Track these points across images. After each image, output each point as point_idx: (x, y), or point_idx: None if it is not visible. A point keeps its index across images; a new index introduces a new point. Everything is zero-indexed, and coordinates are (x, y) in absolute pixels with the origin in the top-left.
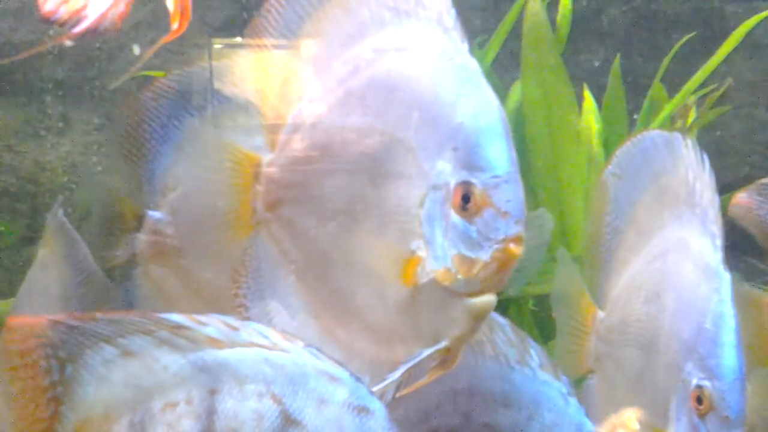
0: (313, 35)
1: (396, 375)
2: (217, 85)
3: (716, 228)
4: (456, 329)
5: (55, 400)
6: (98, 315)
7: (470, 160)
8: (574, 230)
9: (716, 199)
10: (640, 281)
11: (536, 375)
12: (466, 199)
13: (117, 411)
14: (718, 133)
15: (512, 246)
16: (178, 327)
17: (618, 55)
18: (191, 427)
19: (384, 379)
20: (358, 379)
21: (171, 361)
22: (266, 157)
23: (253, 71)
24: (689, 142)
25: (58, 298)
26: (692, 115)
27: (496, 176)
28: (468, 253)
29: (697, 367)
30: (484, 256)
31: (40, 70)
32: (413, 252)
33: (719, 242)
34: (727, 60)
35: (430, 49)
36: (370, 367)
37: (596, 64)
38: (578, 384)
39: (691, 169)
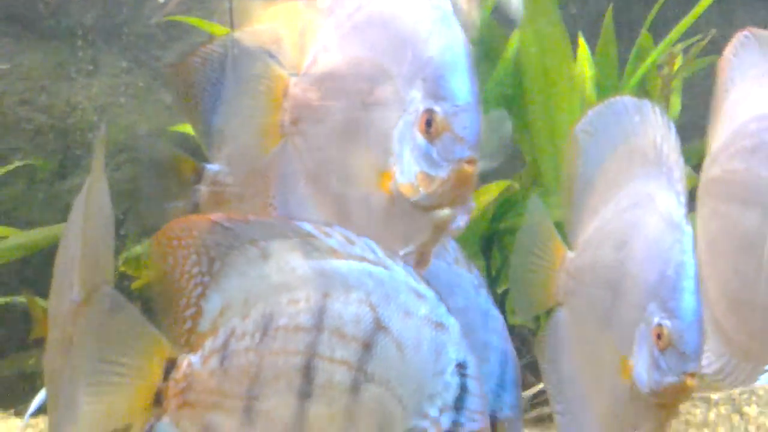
0: None
1: None
2: (237, 35)
3: (681, 186)
4: (421, 236)
5: (202, 285)
6: (250, 218)
7: (435, 90)
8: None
9: (681, 160)
10: (609, 229)
11: (451, 267)
12: (429, 124)
13: (253, 300)
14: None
15: (466, 167)
16: (309, 236)
17: (611, 5)
18: (306, 321)
19: None
20: (440, 299)
21: (298, 265)
22: (292, 79)
23: (273, 21)
24: (657, 108)
25: (109, 213)
26: (678, 64)
27: (455, 105)
28: (429, 171)
29: (659, 307)
30: (442, 174)
31: (71, 15)
32: (389, 167)
33: (683, 199)
34: (723, 9)
35: None
36: None
37: (591, 13)
38: (548, 315)
39: (659, 132)
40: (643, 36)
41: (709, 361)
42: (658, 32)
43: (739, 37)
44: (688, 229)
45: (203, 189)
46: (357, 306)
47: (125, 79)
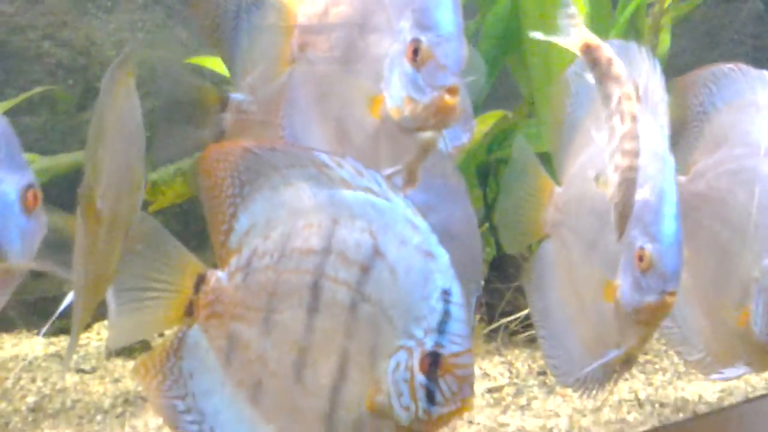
0: None
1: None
2: None
3: (664, 120)
4: (407, 156)
5: (234, 205)
6: (277, 146)
7: (422, 20)
8: None
9: (665, 97)
10: (596, 162)
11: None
12: (415, 52)
13: (274, 222)
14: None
15: (447, 95)
16: (324, 165)
17: None
18: (317, 243)
19: None
20: (432, 231)
21: (314, 193)
22: (300, 7)
23: None
24: (644, 48)
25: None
26: (667, 2)
27: (439, 36)
28: (414, 96)
29: (641, 232)
30: (426, 99)
31: None
32: (380, 91)
33: (666, 132)
34: None
35: None
36: None
37: None
38: (536, 246)
39: (645, 71)
40: None
41: (695, 352)
42: None
43: (724, 69)
44: (670, 159)
45: (228, 117)
46: (360, 233)
47: (141, 15)
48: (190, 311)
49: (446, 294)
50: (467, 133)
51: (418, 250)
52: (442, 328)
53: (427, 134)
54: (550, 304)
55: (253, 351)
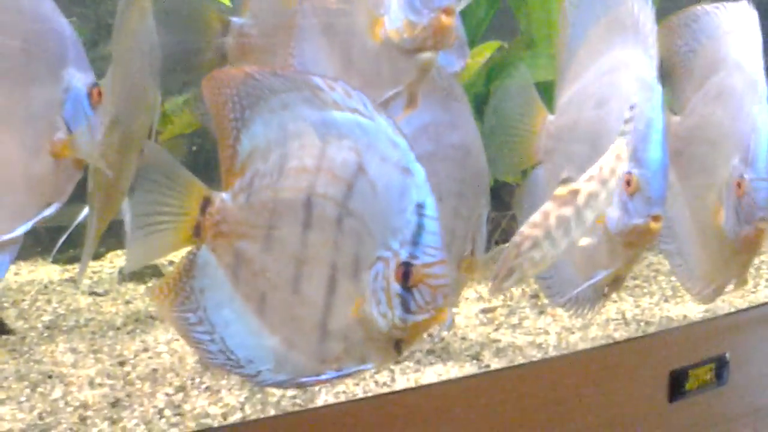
0: None
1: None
2: None
3: (653, 51)
4: (408, 77)
5: (237, 129)
6: (275, 71)
7: None
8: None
9: (655, 28)
10: (590, 91)
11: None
12: None
13: (273, 144)
14: None
15: (444, 14)
16: (317, 88)
17: None
18: (310, 163)
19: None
20: (411, 148)
21: (308, 114)
22: None
23: None
24: None
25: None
26: None
27: None
28: (412, 18)
29: (630, 157)
30: (424, 20)
31: None
32: (380, 14)
33: (655, 63)
34: None
35: None
36: None
37: None
38: (530, 170)
39: (637, 4)
40: None
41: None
42: None
43: (703, 7)
44: (658, 88)
45: (230, 41)
46: (346, 152)
47: None
48: (198, 232)
49: (420, 207)
50: (461, 59)
51: (396, 167)
52: (416, 240)
53: (426, 54)
54: None
55: (257, 266)
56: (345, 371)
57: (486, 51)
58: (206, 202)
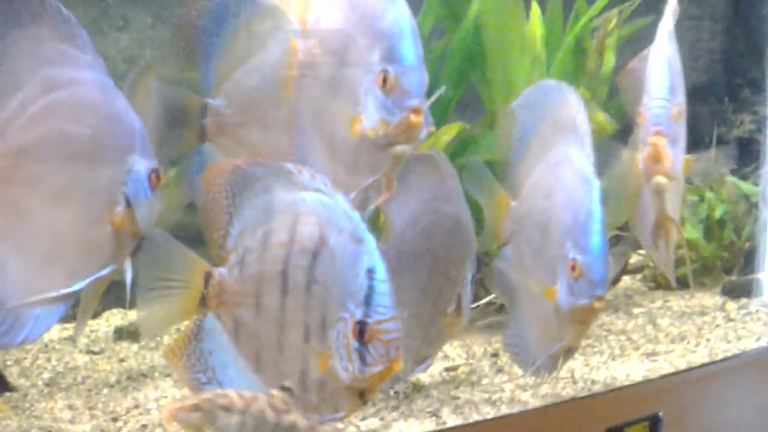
0: None
1: (351, 195)
2: None
3: (589, 150)
4: (383, 167)
5: (229, 214)
6: (259, 161)
7: (388, 55)
8: None
9: (589, 129)
10: (540, 183)
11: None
12: (384, 81)
13: (258, 223)
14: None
15: (413, 114)
16: (290, 173)
17: None
18: (285, 237)
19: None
20: (361, 220)
21: (283, 196)
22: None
23: None
24: (573, 88)
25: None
26: (612, 25)
27: (403, 66)
28: (385, 117)
29: (573, 245)
30: (395, 119)
31: None
32: (358, 113)
33: (592, 159)
34: None
35: None
36: (343, 188)
37: None
38: (499, 249)
39: (574, 107)
40: (579, 1)
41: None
42: None
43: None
44: (596, 183)
45: (209, 120)
46: (311, 226)
47: (150, 33)
48: (203, 303)
49: (371, 272)
50: (426, 127)
51: (351, 237)
52: (368, 301)
53: (399, 148)
54: (511, 301)
55: (252, 330)
56: (323, 419)
57: (450, 131)
58: (208, 276)
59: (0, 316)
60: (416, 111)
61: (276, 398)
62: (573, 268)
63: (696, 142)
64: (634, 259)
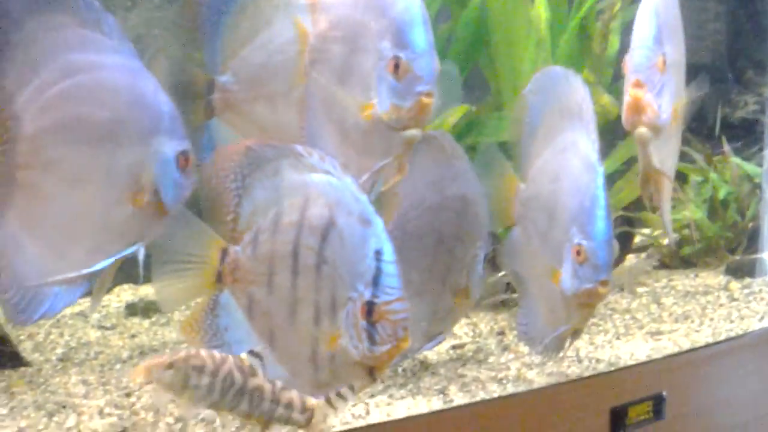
0: None
1: (364, 177)
2: None
3: (594, 136)
4: (396, 150)
5: (238, 195)
6: (270, 143)
7: (399, 41)
8: None
9: (594, 116)
10: (547, 168)
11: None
12: (396, 67)
13: (269, 204)
14: None
15: (424, 98)
16: (300, 155)
17: None
18: (295, 218)
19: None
20: (370, 202)
21: (293, 177)
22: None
23: None
24: (579, 76)
25: None
26: (617, 7)
27: (415, 52)
28: (397, 102)
29: (578, 230)
30: (407, 104)
31: None
32: (370, 99)
33: (597, 146)
34: None
35: None
36: (356, 171)
37: None
38: (507, 231)
39: (579, 94)
40: None
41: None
42: None
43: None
44: (600, 168)
45: (216, 96)
46: (321, 208)
47: (157, 13)
48: (219, 278)
49: (378, 254)
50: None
51: (359, 219)
52: (376, 282)
53: (411, 132)
54: (521, 281)
55: (264, 307)
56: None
57: (457, 113)
58: (224, 253)
59: (18, 293)
60: (428, 95)
61: (244, 362)
62: (578, 252)
63: (700, 122)
64: (638, 239)
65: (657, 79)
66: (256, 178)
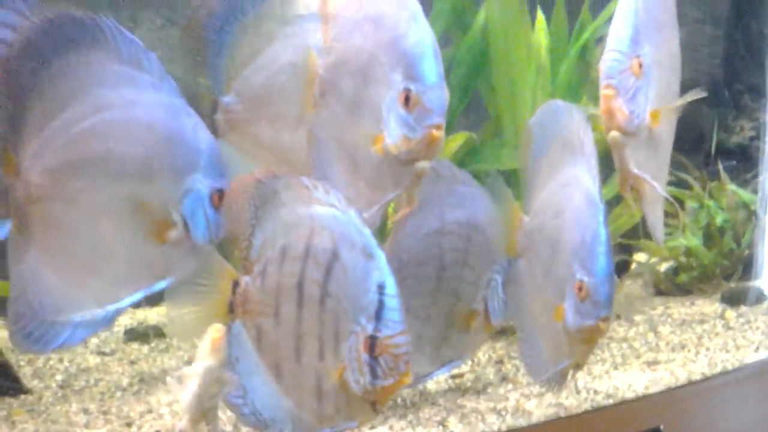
0: None
1: (374, 209)
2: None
3: (596, 171)
4: (406, 182)
5: (252, 225)
6: (277, 174)
7: (411, 74)
8: (524, 123)
9: (595, 150)
10: (550, 201)
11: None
12: (407, 99)
13: (278, 236)
14: None
15: (434, 131)
16: (306, 188)
17: None
18: (300, 251)
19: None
20: (372, 235)
21: (299, 210)
22: (319, 59)
23: None
24: (581, 110)
25: None
26: None
27: (425, 85)
28: (408, 134)
29: (580, 266)
30: (417, 136)
31: None
32: (381, 131)
33: (598, 181)
34: None
35: (397, 2)
36: (366, 203)
37: None
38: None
39: (581, 128)
40: (584, 12)
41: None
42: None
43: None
44: (602, 205)
45: (220, 117)
46: (325, 241)
47: (159, 34)
48: (231, 309)
49: (381, 287)
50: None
51: (362, 252)
52: (378, 315)
53: (421, 164)
54: (524, 314)
55: (272, 338)
56: (337, 428)
57: (458, 139)
58: (236, 284)
59: (35, 322)
60: (438, 128)
61: None
62: (580, 289)
63: (696, 147)
64: (634, 265)
65: (630, 83)
66: (266, 210)
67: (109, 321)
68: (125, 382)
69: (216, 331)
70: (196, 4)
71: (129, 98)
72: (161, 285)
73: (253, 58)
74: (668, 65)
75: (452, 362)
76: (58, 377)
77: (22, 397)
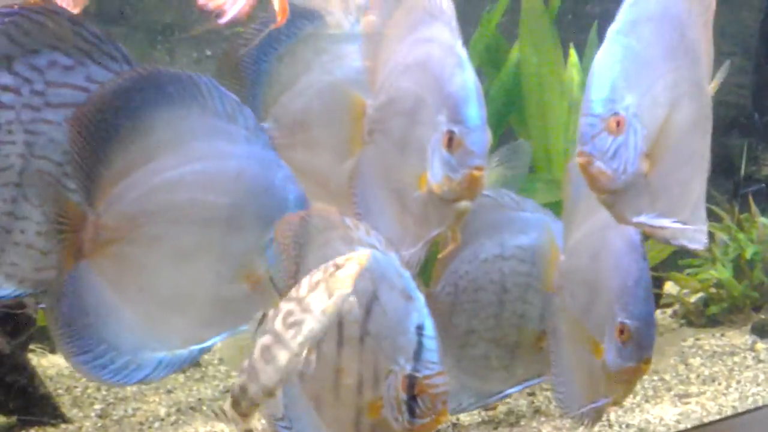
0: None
1: (418, 246)
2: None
3: None
4: (448, 221)
5: (296, 263)
6: (321, 214)
7: (454, 116)
8: (557, 158)
9: None
10: (587, 243)
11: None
12: (450, 141)
13: None
14: None
15: (475, 172)
16: (347, 227)
17: (596, 22)
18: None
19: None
20: (412, 277)
21: (341, 251)
22: (369, 102)
23: None
24: None
25: None
26: None
27: (467, 127)
28: (450, 174)
29: (621, 309)
30: (459, 176)
31: (152, 14)
32: (425, 171)
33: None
34: None
35: (443, 42)
36: (411, 240)
37: (582, 23)
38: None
39: None
40: None
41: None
42: None
43: None
44: (642, 249)
45: None
46: (366, 281)
47: (195, 68)
48: None
49: (420, 328)
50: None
51: (401, 294)
52: (417, 356)
53: (462, 204)
54: (560, 349)
55: (313, 375)
56: None
57: (492, 176)
58: None
59: (112, 355)
60: (479, 168)
61: None
62: (621, 331)
63: (726, 179)
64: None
65: (608, 144)
66: (309, 249)
67: (192, 360)
68: (162, 411)
69: (364, 258)
70: (231, 34)
71: (221, 150)
72: (245, 327)
73: (290, 85)
74: (686, 91)
75: (528, 381)
76: (97, 406)
77: (63, 426)
